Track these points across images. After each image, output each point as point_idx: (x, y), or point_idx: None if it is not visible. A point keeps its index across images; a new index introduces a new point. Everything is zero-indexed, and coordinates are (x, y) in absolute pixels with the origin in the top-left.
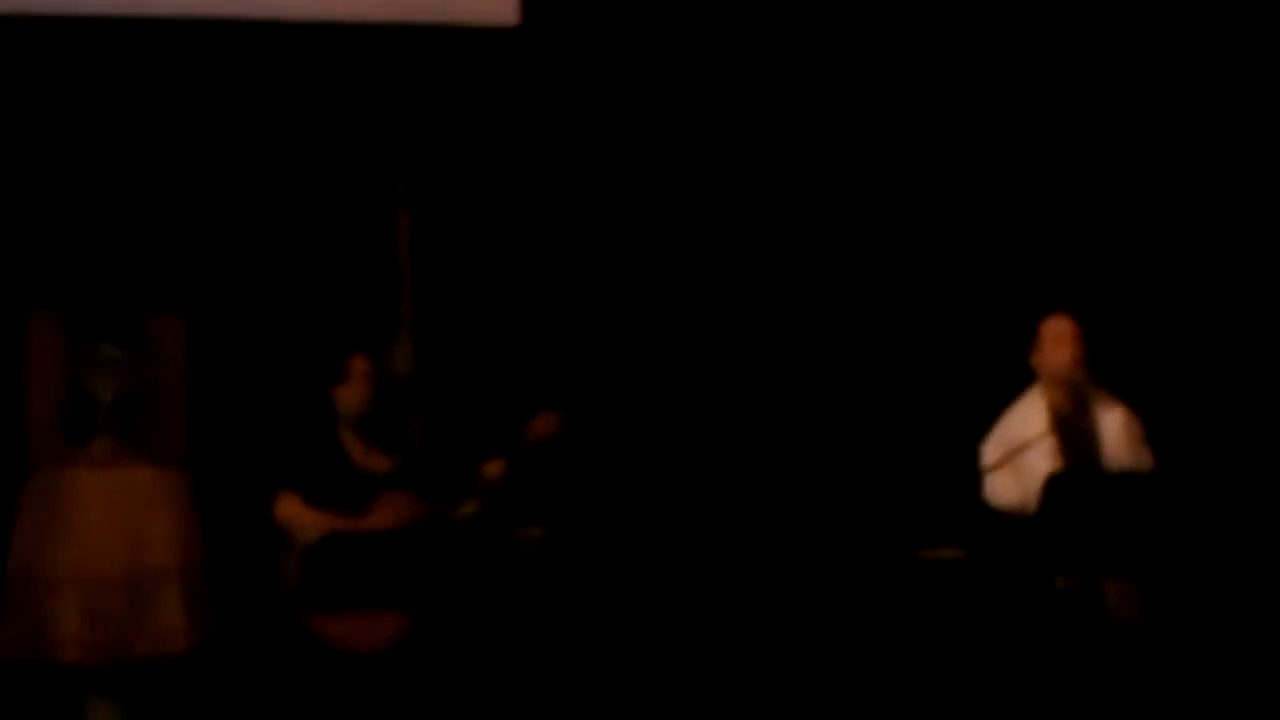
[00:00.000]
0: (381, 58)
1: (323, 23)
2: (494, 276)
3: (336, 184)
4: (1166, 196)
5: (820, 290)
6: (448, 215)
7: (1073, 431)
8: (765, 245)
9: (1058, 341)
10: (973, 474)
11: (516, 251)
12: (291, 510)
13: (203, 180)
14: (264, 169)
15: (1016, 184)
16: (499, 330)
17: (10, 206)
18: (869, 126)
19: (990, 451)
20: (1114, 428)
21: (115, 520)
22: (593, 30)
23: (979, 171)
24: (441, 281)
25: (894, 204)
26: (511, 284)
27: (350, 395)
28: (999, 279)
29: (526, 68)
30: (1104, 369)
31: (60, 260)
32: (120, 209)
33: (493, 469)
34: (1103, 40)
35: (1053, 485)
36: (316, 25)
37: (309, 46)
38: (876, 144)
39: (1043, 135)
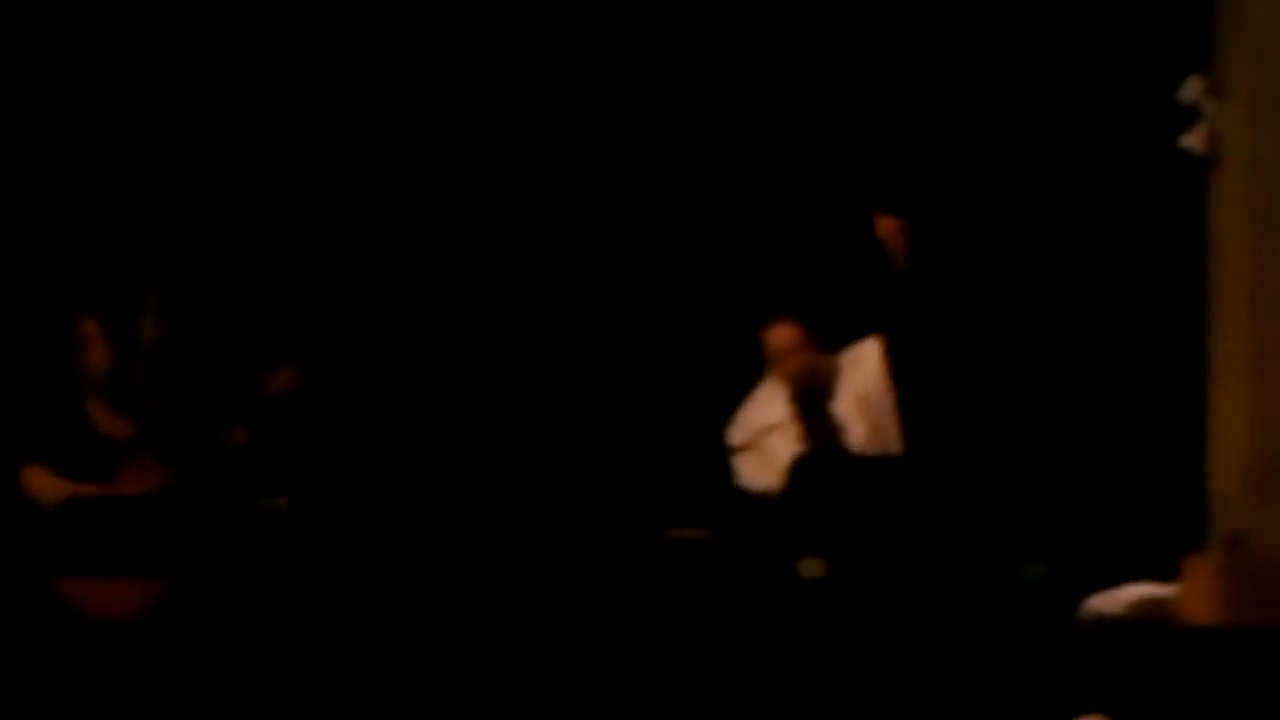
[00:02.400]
0: (145, 20)
1: None
2: (241, 244)
3: (90, 149)
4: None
5: (567, 269)
6: (199, 182)
7: (814, 416)
8: (511, 220)
9: (779, 356)
10: (720, 455)
11: (264, 220)
12: (35, 480)
13: None
14: (12, 129)
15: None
16: (245, 298)
17: None
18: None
19: (735, 434)
20: (849, 404)
21: None
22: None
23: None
24: (189, 248)
25: (645, 191)
26: (257, 252)
27: (87, 359)
28: (743, 262)
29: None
30: None
31: None
32: None
33: (235, 434)
34: None
35: (796, 467)
36: None
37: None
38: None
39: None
